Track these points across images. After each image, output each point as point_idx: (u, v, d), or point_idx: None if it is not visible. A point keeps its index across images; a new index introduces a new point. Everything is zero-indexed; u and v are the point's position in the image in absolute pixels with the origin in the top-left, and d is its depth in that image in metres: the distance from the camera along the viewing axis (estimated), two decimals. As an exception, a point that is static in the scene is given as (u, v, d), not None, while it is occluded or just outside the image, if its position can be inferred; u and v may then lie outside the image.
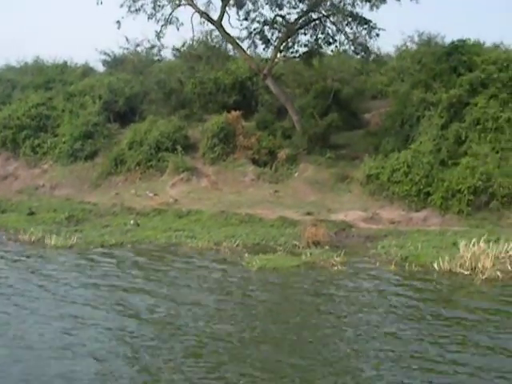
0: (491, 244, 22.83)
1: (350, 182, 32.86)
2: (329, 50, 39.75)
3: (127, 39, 46.18)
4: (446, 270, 21.62)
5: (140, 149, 38.76)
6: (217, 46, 41.92)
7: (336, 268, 22.36)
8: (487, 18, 64.45)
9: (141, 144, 39.05)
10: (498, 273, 20.74)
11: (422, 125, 33.18)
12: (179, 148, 37.87)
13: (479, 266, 21.18)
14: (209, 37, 42.82)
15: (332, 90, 40.04)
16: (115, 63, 50.83)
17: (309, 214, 30.24)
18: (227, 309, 17.84)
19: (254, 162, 37.30)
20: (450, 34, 65.57)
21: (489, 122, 32.00)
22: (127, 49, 48.47)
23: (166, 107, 43.32)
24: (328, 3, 37.62)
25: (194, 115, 42.62)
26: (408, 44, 46.97)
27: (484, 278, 20.62)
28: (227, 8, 38.50)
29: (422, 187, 29.91)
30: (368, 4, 36.32)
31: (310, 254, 23.95)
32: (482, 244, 22.04)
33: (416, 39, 47.03)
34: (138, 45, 46.77)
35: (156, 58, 47.09)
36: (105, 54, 51.76)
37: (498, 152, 31.15)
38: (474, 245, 22.03)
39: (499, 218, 28.18)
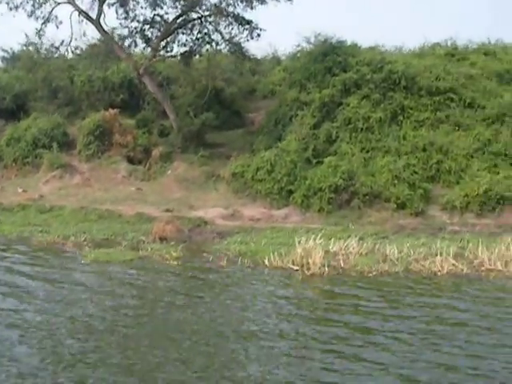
0: (335, 241, 24.57)
1: (217, 180, 33.35)
2: (205, 50, 39.54)
3: (26, 35, 45.77)
4: (276, 265, 22.12)
5: (18, 145, 38.94)
6: (98, 44, 41.74)
7: (168, 262, 22.72)
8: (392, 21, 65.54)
9: (19, 141, 39.06)
10: (326, 268, 21.27)
11: (293, 124, 33.79)
12: (55, 145, 37.94)
13: (310, 261, 21.57)
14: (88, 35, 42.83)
15: (209, 89, 40.38)
16: (13, 60, 50.42)
17: (168, 210, 30.82)
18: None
19: (130, 159, 37.82)
20: (351, 36, 66.91)
21: (360, 121, 33.28)
22: (26, 45, 47.86)
23: (53, 104, 43.35)
24: (207, 3, 38.09)
25: (81, 113, 42.48)
26: (304, 45, 47.53)
27: (310, 273, 21.16)
28: (109, 7, 38.63)
29: (284, 185, 30.81)
30: (244, 3, 36.65)
31: (151, 248, 24.34)
32: (317, 241, 22.67)
33: (312, 40, 47.41)
34: (31, 42, 46.15)
35: (55, 55, 46.71)
36: (3, 50, 51.25)
37: (368, 151, 32.08)
38: (313, 241, 22.56)
39: (360, 217, 29.26)
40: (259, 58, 46.85)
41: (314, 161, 31.70)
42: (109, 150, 38.52)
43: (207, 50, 40.64)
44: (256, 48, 42.89)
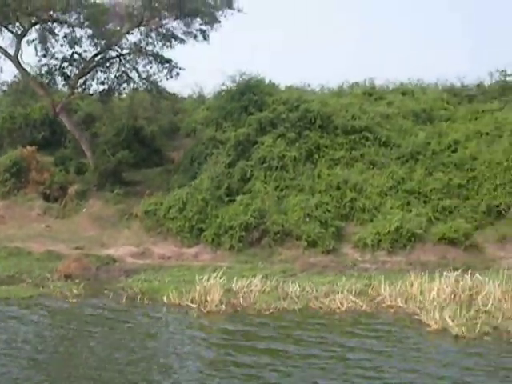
0: (239, 279, 24.66)
1: (130, 218, 33.26)
2: (123, 88, 39.73)
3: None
4: (175, 303, 22.14)
5: None
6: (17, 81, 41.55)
7: (67, 299, 22.62)
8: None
9: None
10: (224, 306, 21.31)
11: (207, 162, 33.89)
12: (-28, 183, 37.53)
13: (208, 299, 21.57)
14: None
15: (127, 127, 40.38)
16: None
17: (79, 248, 30.72)
18: None
19: (46, 196, 37.50)
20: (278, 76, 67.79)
21: (274, 160, 33.50)
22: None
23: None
24: (126, 42, 38.30)
25: (1, 150, 42.05)
26: (228, 83, 47.79)
27: (206, 310, 21.22)
28: (29, 44, 38.53)
29: (195, 223, 30.96)
30: (162, 43, 36.97)
31: (53, 286, 24.21)
32: (218, 279, 22.77)
33: (237, 79, 47.69)
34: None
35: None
36: None
37: (282, 190, 32.30)
38: (213, 279, 22.59)
39: (270, 255, 29.41)
40: (186, 96, 47.09)
41: (227, 199, 31.65)
42: (25, 187, 38.16)
43: (124, 88, 40.43)
44: (184, 87, 42.90)
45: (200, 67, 41.52)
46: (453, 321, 19.43)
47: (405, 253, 29.43)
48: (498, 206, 31.58)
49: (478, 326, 19.10)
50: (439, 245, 29.84)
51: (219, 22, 37.82)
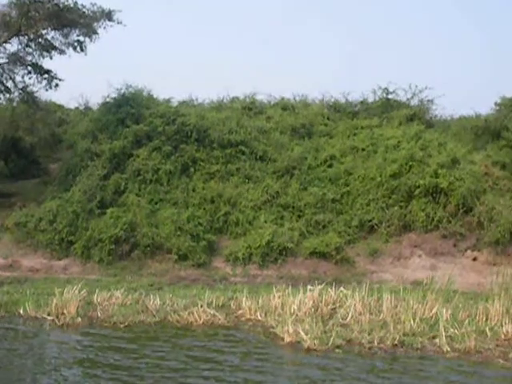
0: (100, 292, 24.38)
1: (1, 230, 32.66)
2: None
3: None
4: (32, 315, 21.79)
5: None
6: None
7: None
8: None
9: None
10: (80, 318, 21.18)
11: (82, 175, 33.52)
12: None
13: (65, 311, 21.33)
14: None
15: (3, 138, 39.69)
16: None
17: None
18: None
19: None
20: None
21: (149, 173, 33.27)
22: None
23: None
24: (4, 51, 37.58)
25: None
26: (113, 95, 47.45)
27: (61, 323, 21.24)
28: None
29: (64, 236, 30.41)
30: (40, 53, 36.49)
31: None
32: (77, 291, 22.53)
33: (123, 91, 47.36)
34: None
35: None
36: None
37: (156, 203, 32.25)
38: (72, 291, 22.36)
39: (140, 268, 29.32)
40: (73, 108, 46.56)
41: (98, 212, 31.37)
42: None
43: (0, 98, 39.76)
44: (72, 98, 42.36)
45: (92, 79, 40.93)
46: (306, 334, 19.58)
47: (276, 266, 29.67)
48: (370, 221, 32.20)
49: (332, 338, 19.27)
50: (310, 259, 30.22)
51: (97, 33, 37.34)
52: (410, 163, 33.15)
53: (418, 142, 34.78)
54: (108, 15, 37.63)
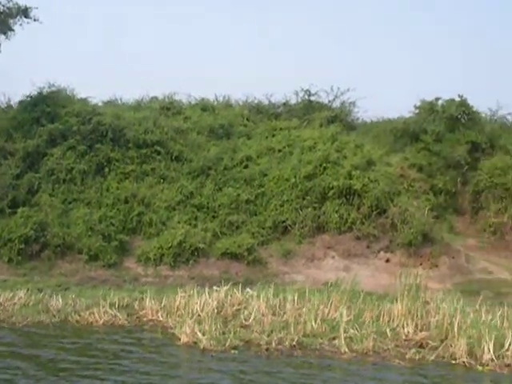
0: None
1: None
2: None
3: None
4: None
5: None
6: None
7: None
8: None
9: None
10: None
11: (-6, 173, 33.16)
12: None
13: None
14: None
15: None
16: None
17: None
18: None
19: None
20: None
21: (63, 173, 33.02)
22: None
23: None
24: None
25: None
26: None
27: None
28: None
29: (-25, 236, 29.73)
30: None
31: None
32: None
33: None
34: None
35: None
36: None
37: (70, 203, 32.00)
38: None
39: (51, 268, 29.08)
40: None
41: (9, 211, 30.95)
42: None
43: None
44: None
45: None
46: (204, 334, 19.57)
47: (187, 267, 29.74)
48: (284, 222, 32.36)
49: (229, 339, 19.30)
50: (222, 259, 30.33)
51: (13, 30, 36.87)
52: (325, 165, 33.42)
53: (334, 144, 35.03)
54: (24, 12, 37.14)
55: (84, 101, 37.68)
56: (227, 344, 19.23)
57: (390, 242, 32.02)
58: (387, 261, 31.62)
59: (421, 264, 31.69)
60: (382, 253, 31.87)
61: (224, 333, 20.12)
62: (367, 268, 30.98)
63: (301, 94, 45.58)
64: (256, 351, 19.07)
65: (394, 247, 31.80)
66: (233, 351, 18.93)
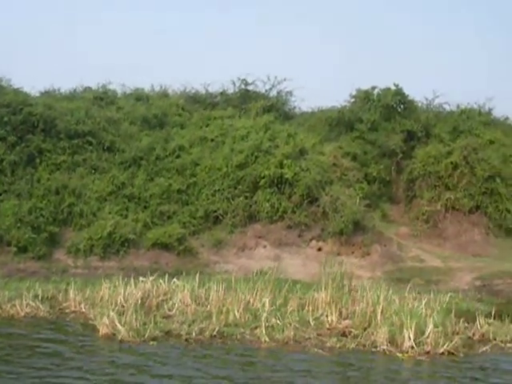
0: None
1: None
2: None
3: None
4: None
5: None
6: None
7: None
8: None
9: None
10: None
11: None
12: None
13: None
14: None
15: None
16: None
17: None
18: None
19: None
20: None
21: (-9, 164, 32.42)
22: None
23: None
24: None
25: None
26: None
27: None
28: None
29: None
30: None
31: None
32: None
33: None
34: None
35: None
36: None
37: (0, 194, 31.59)
38: None
39: None
40: None
41: None
42: None
43: None
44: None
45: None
46: (123, 326, 19.50)
47: (118, 258, 29.75)
48: (215, 212, 32.48)
49: (148, 330, 19.28)
50: (153, 250, 30.40)
51: None
52: (256, 154, 33.64)
53: (267, 133, 35.23)
54: None
55: (16, 91, 37.18)
56: (146, 335, 19.05)
57: (321, 231, 32.29)
58: (319, 249, 31.92)
59: (353, 252, 31.97)
60: (313, 242, 32.17)
61: (145, 323, 19.93)
62: (298, 257, 31.23)
63: (238, 84, 45.49)
64: (175, 342, 18.97)
65: (325, 236, 32.10)
66: (151, 342, 18.80)
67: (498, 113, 46.43)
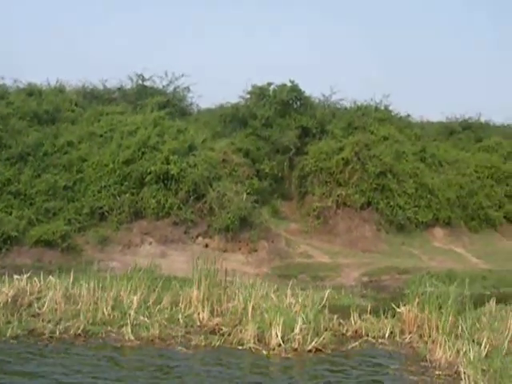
0: None
1: None
2: None
3: None
4: None
5: None
6: None
7: None
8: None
9: None
10: None
11: None
12: None
13: None
14: None
15: None
16: None
17: None
18: None
19: None
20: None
21: None
22: None
23: None
24: None
25: None
26: None
27: None
28: None
29: None
30: None
31: None
32: None
33: None
34: None
35: None
36: None
37: None
38: None
39: None
40: None
41: None
42: None
43: None
44: None
45: None
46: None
47: (0, 256, 29.15)
48: (101, 208, 32.40)
49: (10, 329, 19.11)
50: (36, 247, 30.11)
51: None
52: (143, 150, 33.68)
53: (156, 129, 35.18)
54: None
55: None
56: (8, 334, 18.93)
57: (208, 227, 32.50)
58: (206, 246, 32.05)
59: (240, 249, 32.25)
60: (200, 238, 32.36)
61: (10, 322, 19.79)
62: (185, 254, 31.33)
63: (135, 79, 45.41)
64: (36, 340, 18.88)
65: (212, 232, 32.31)
66: (12, 341, 18.68)
67: (403, 110, 48.04)
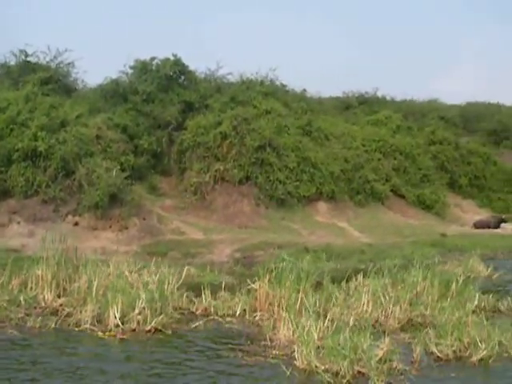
0: None
1: None
2: None
3: None
4: None
5: None
6: None
7: None
8: None
9: None
10: None
11: None
12: None
13: None
14: None
15: None
16: None
17: None
18: None
19: None
20: None
21: None
22: None
23: None
24: None
25: None
26: None
27: None
28: None
29: None
30: None
31: None
32: None
33: None
34: None
35: None
36: None
37: None
38: None
39: None
40: None
41: None
42: None
43: None
44: None
45: None
46: None
47: None
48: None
49: None
50: None
51: None
52: (12, 126, 33.18)
53: (28, 105, 34.75)
54: None
55: None
56: None
57: (77, 205, 32.28)
58: (76, 224, 31.85)
59: (110, 227, 32.21)
60: (69, 216, 32.12)
61: None
62: (54, 232, 30.94)
63: (18, 55, 44.66)
64: None
65: (81, 210, 32.11)
66: None
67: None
